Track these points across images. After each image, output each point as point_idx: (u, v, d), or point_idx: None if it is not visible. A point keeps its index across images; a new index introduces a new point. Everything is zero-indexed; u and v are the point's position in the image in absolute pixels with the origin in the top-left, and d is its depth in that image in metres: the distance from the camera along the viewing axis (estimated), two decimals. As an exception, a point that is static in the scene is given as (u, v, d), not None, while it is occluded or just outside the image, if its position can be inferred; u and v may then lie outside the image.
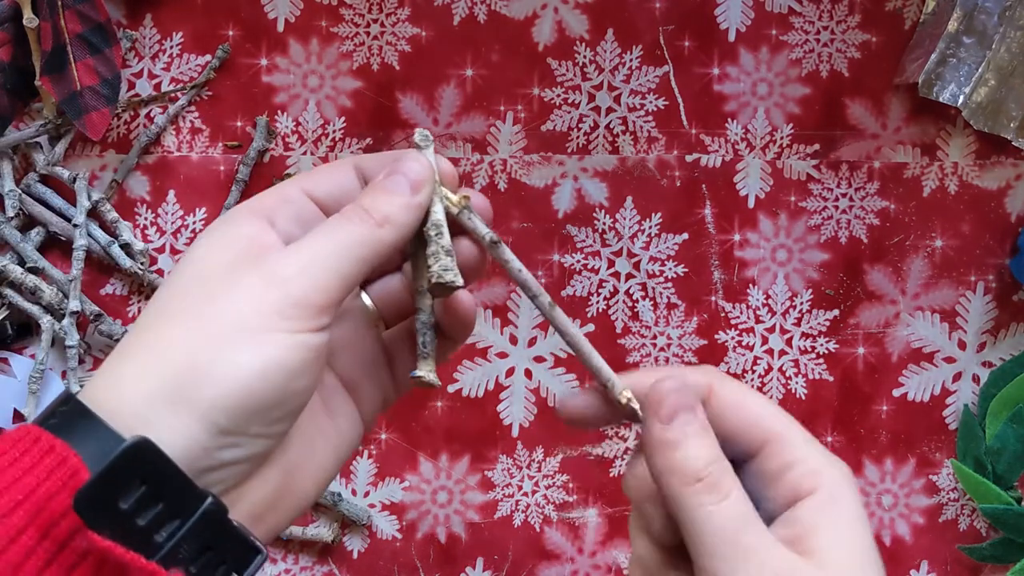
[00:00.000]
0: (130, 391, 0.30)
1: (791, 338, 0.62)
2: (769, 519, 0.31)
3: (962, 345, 0.63)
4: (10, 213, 0.59)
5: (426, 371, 0.37)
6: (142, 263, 0.60)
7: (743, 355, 0.62)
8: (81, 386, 0.59)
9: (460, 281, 0.35)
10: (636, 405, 0.33)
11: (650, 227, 0.62)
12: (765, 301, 0.62)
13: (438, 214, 0.35)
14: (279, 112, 0.61)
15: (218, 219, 0.35)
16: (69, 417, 0.29)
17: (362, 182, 0.36)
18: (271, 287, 0.31)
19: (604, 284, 0.62)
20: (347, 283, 0.32)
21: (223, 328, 0.30)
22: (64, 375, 0.60)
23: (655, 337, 0.62)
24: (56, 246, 0.60)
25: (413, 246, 0.36)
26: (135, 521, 0.29)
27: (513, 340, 0.62)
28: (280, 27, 0.61)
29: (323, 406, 0.36)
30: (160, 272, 0.61)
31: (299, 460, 0.35)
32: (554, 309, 0.35)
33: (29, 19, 0.56)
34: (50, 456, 0.28)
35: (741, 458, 0.32)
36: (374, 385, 0.38)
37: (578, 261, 0.62)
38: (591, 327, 0.62)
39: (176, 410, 0.29)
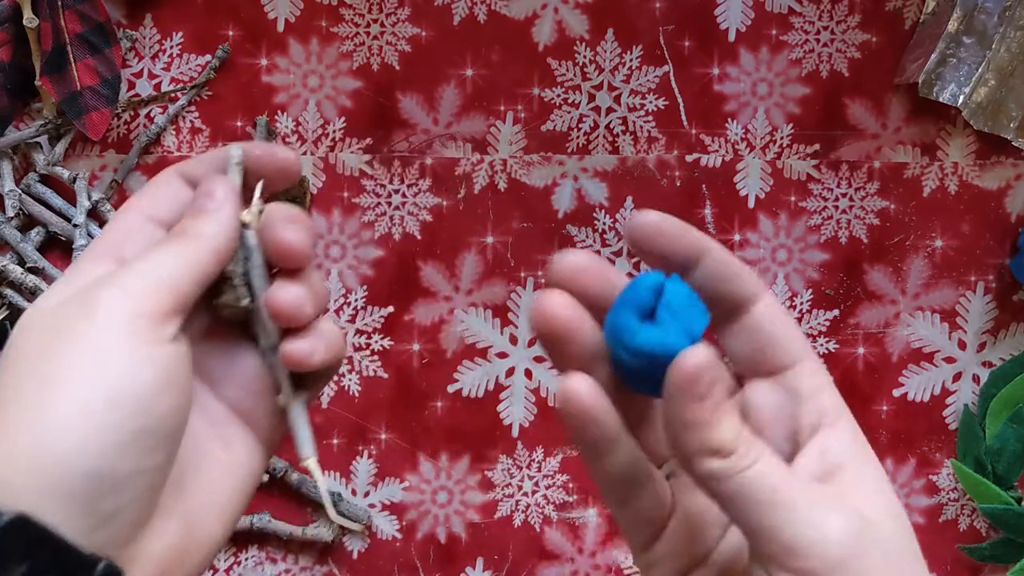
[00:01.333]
0: None
1: (791, 338, 0.62)
2: (793, 441, 0.31)
3: (962, 345, 0.63)
4: (10, 213, 0.59)
5: (283, 397, 0.35)
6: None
7: (743, 355, 0.62)
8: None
9: (246, 303, 0.34)
10: (316, 478, 0.34)
11: (650, 227, 0.62)
12: (765, 301, 0.62)
13: (248, 237, 0.34)
14: (279, 112, 0.61)
15: (69, 267, 0.34)
16: None
17: (189, 184, 0.35)
18: (99, 313, 0.30)
19: (604, 284, 0.62)
20: (178, 296, 0.31)
21: (61, 372, 0.29)
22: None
23: (655, 337, 0.62)
24: (56, 246, 0.60)
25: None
26: None
27: (513, 340, 0.62)
28: (280, 27, 0.61)
29: (217, 440, 0.34)
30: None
31: (198, 503, 0.33)
32: (275, 355, 0.34)
33: (29, 19, 0.56)
34: None
35: (766, 371, 0.32)
36: (267, 411, 0.36)
37: (578, 261, 0.62)
38: (591, 327, 0.62)
39: (39, 472, 0.27)
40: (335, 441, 0.62)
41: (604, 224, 0.62)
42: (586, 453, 0.32)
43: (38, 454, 0.28)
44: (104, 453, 0.28)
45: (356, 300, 0.62)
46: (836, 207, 0.62)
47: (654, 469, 0.33)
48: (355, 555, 0.62)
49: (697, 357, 0.28)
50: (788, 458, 0.31)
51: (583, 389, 0.30)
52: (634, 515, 0.33)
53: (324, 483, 0.37)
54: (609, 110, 0.62)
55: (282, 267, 0.35)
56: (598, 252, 0.62)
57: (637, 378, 0.30)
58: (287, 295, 0.33)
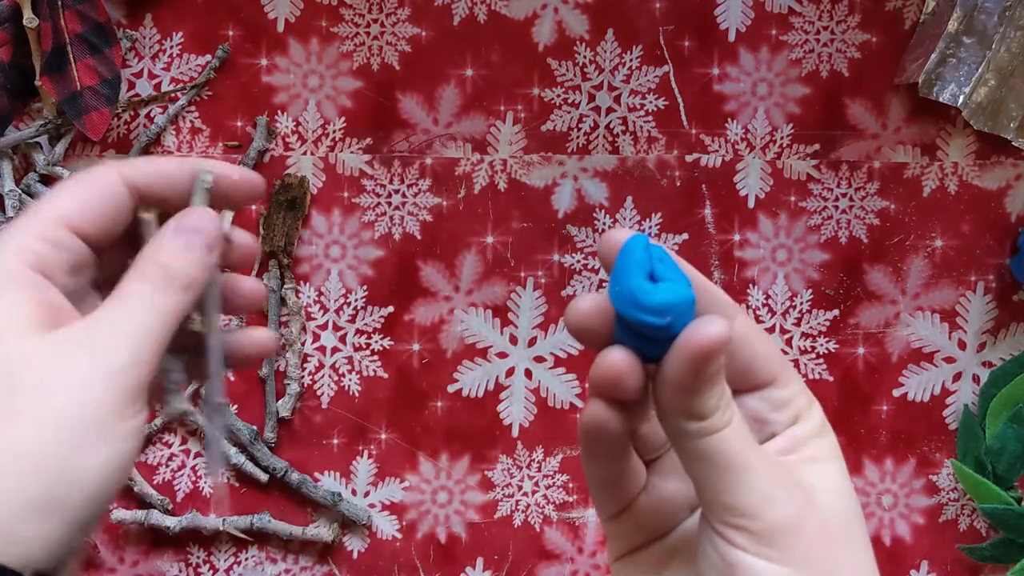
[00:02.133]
0: None
1: (791, 338, 0.62)
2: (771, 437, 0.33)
3: (962, 345, 0.63)
4: (10, 213, 0.59)
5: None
6: (142, 263, 0.60)
7: (743, 355, 0.62)
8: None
9: (196, 327, 0.33)
10: (207, 183, 0.32)
11: (650, 227, 0.62)
12: (765, 301, 0.62)
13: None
14: (279, 112, 0.61)
15: None
16: None
17: (133, 195, 0.33)
18: (110, 376, 0.29)
19: (604, 284, 0.62)
20: (161, 354, 0.31)
21: (71, 424, 0.28)
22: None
23: (655, 337, 0.62)
24: (56, 246, 0.60)
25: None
26: None
27: (513, 340, 0.62)
28: (280, 27, 0.61)
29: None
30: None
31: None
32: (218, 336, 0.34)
33: (29, 19, 0.56)
34: None
35: (750, 387, 0.33)
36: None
37: (578, 261, 0.62)
38: (591, 327, 0.62)
39: (43, 518, 0.28)
40: (335, 441, 0.62)
41: (604, 224, 0.62)
42: (602, 417, 0.31)
43: (49, 492, 0.28)
44: (98, 510, 0.29)
45: (356, 300, 0.62)
46: (836, 207, 0.62)
47: (632, 454, 0.34)
48: (355, 555, 0.62)
49: (713, 328, 0.28)
50: None
51: (601, 415, 0.31)
52: (610, 490, 0.34)
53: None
54: (609, 110, 0.62)
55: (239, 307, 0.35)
56: (598, 252, 0.62)
57: (650, 342, 0.30)
58: (262, 337, 0.35)
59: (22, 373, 0.29)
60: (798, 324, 0.62)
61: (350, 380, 0.62)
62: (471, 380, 0.62)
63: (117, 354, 0.29)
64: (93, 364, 0.29)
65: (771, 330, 0.62)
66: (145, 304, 0.31)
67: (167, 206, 0.33)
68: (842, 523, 0.31)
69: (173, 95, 0.61)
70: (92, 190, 0.32)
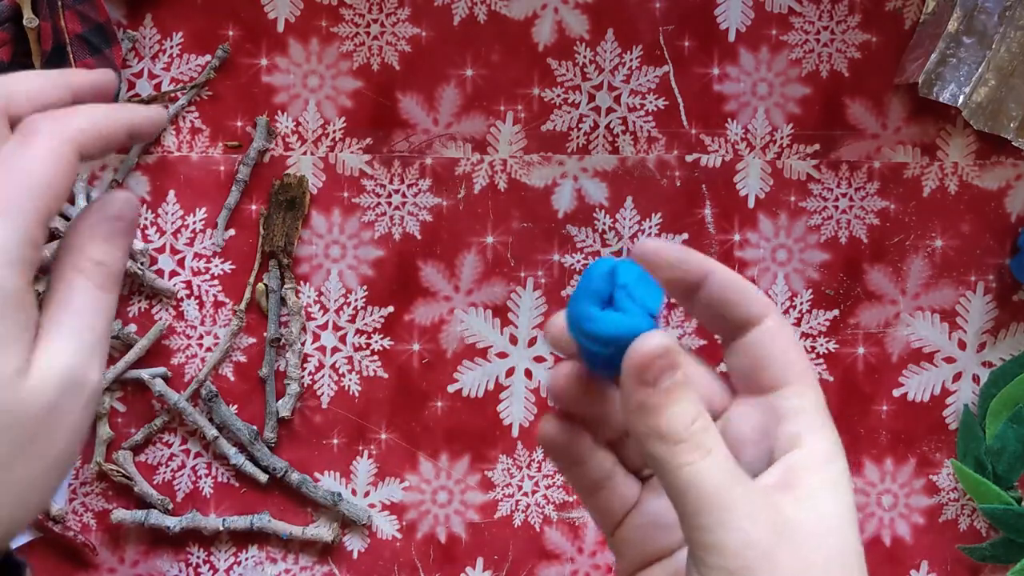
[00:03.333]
0: None
1: (791, 338, 0.62)
2: (769, 459, 0.32)
3: (962, 345, 0.63)
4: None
5: None
6: (142, 263, 0.60)
7: (743, 355, 0.62)
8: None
9: None
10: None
11: (650, 227, 0.62)
12: (765, 301, 0.62)
13: None
14: (279, 112, 0.61)
15: None
16: None
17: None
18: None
19: (604, 284, 0.62)
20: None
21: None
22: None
23: (655, 337, 0.62)
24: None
25: None
26: None
27: (513, 340, 0.62)
28: (280, 27, 0.61)
29: None
30: (160, 273, 0.61)
31: None
32: None
33: (29, 19, 0.56)
34: None
35: (761, 390, 0.32)
36: None
37: (578, 261, 0.62)
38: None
39: None
40: (335, 441, 0.62)
41: (604, 224, 0.62)
42: (558, 466, 0.35)
43: None
44: None
45: (356, 300, 0.62)
46: (836, 207, 0.62)
47: (618, 470, 0.34)
48: (355, 555, 0.62)
49: (650, 343, 0.29)
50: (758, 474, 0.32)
51: (549, 428, 0.33)
52: (597, 505, 0.34)
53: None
54: (609, 110, 0.62)
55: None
56: (598, 252, 0.62)
57: (601, 365, 0.31)
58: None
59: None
60: (798, 324, 0.62)
61: (350, 380, 0.62)
62: (471, 380, 0.62)
63: (90, 376, 0.31)
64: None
65: (771, 330, 0.62)
66: (100, 313, 0.32)
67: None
68: (834, 562, 0.30)
69: (173, 95, 0.61)
70: (62, 167, 0.31)
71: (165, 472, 0.61)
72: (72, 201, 0.60)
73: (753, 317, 0.32)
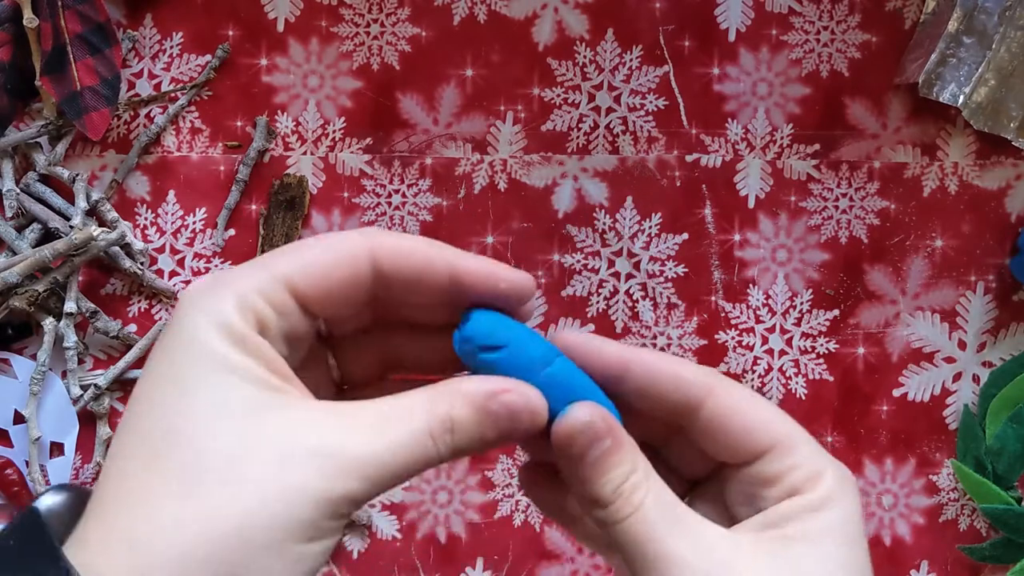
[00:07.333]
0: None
1: (791, 338, 0.62)
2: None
3: (962, 345, 0.63)
4: (9, 214, 0.59)
5: None
6: (142, 263, 0.60)
7: (743, 355, 0.62)
8: (81, 388, 0.59)
9: None
10: None
11: (650, 227, 0.62)
12: (765, 301, 0.62)
13: None
14: (279, 112, 0.61)
15: (190, 319, 0.26)
16: None
17: (377, 277, 0.28)
18: (336, 480, 0.27)
19: (604, 284, 0.62)
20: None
21: (274, 524, 0.26)
22: (64, 375, 0.60)
23: (655, 337, 0.62)
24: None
25: None
26: None
27: (513, 340, 0.62)
28: (280, 27, 0.61)
29: None
30: (160, 273, 0.61)
31: None
32: None
33: (29, 19, 0.56)
34: None
35: (740, 462, 0.32)
36: None
37: (578, 261, 0.62)
38: (591, 327, 0.62)
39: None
40: (335, 441, 0.62)
41: (604, 224, 0.62)
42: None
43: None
44: None
45: (356, 300, 0.62)
46: (836, 207, 0.62)
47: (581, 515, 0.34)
48: (355, 555, 0.62)
49: (572, 418, 0.29)
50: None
51: (525, 485, 0.35)
52: (584, 532, 0.35)
53: None
54: (609, 110, 0.62)
55: None
56: (598, 252, 0.62)
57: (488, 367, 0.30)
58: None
59: (243, 440, 0.26)
60: (798, 324, 0.62)
61: (350, 380, 0.62)
62: (471, 380, 0.62)
63: (362, 467, 0.27)
64: (318, 469, 0.26)
65: (771, 330, 0.62)
66: (416, 441, 0.27)
67: (414, 297, 0.29)
68: None
69: (173, 95, 0.61)
70: (329, 257, 0.28)
71: (165, 472, 0.61)
72: (72, 201, 0.60)
73: (692, 400, 0.31)
